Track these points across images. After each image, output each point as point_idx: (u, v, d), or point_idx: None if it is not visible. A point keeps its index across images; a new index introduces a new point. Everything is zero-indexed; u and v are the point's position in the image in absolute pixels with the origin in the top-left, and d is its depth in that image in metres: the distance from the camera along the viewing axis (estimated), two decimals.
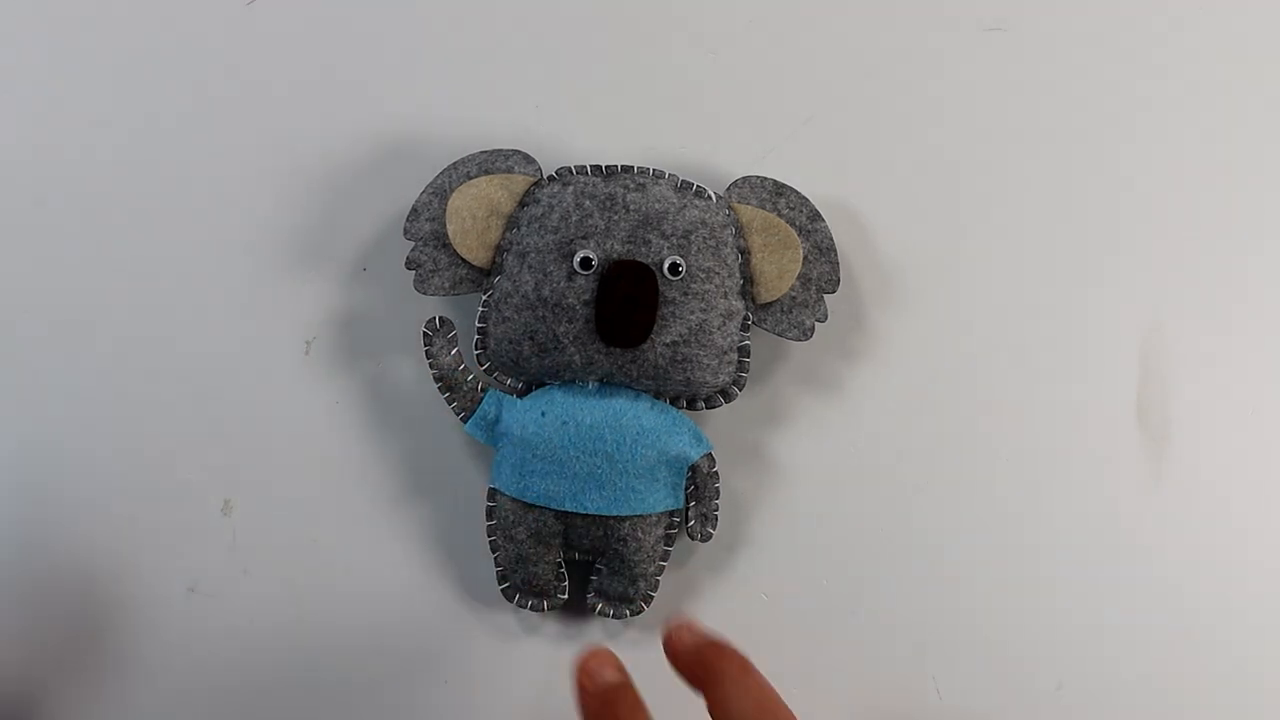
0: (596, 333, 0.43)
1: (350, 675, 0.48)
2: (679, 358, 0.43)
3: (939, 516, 0.48)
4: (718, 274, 0.44)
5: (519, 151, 0.45)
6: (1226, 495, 0.48)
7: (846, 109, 0.48)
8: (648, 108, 0.48)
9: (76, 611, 0.47)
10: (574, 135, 0.48)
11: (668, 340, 0.43)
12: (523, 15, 0.49)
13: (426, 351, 0.45)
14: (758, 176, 0.45)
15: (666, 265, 0.43)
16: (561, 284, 0.43)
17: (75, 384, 0.48)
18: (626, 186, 0.44)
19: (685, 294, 0.43)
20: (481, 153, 0.45)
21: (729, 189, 0.45)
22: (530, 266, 0.43)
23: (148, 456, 0.48)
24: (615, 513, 0.44)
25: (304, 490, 0.48)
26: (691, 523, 0.45)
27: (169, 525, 0.48)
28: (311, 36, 0.48)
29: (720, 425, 0.47)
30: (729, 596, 0.48)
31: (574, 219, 0.43)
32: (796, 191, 0.45)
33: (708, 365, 0.44)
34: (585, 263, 0.43)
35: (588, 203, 0.43)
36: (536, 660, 0.47)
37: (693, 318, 0.43)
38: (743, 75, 0.48)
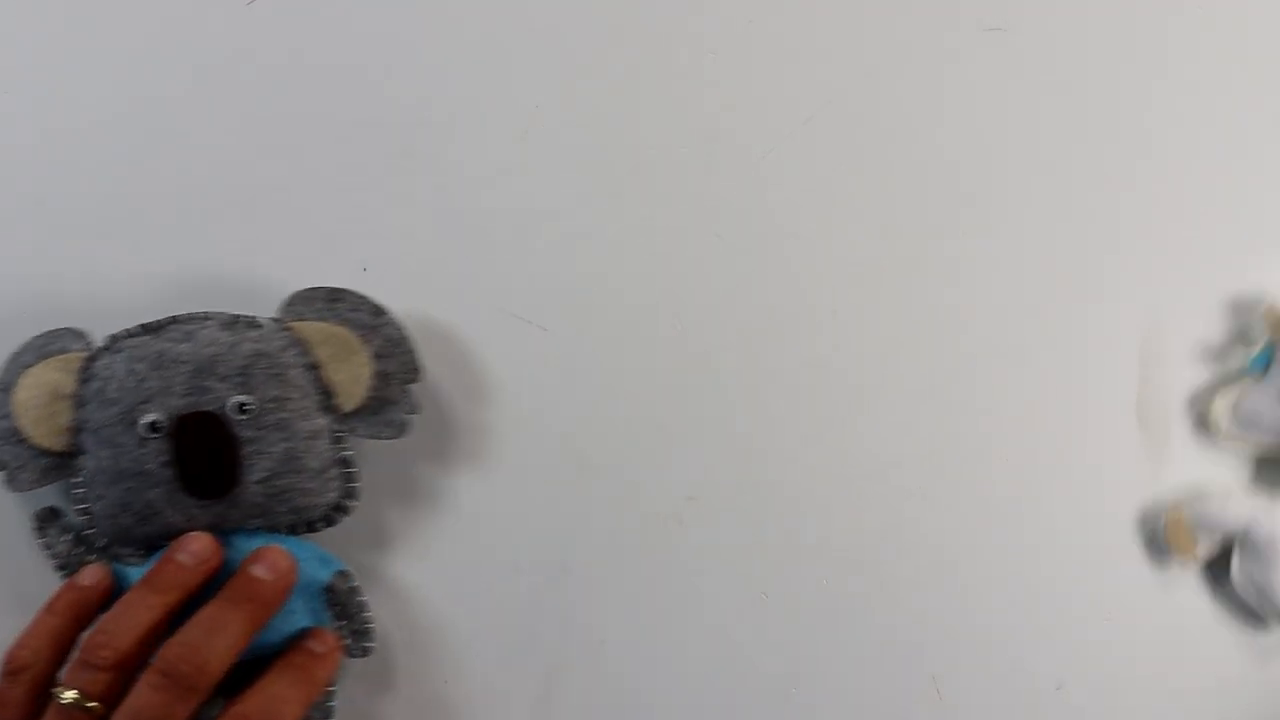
0: (185, 491, 0.42)
1: (350, 675, 0.48)
2: (275, 491, 0.43)
3: (938, 518, 0.48)
4: (290, 399, 0.43)
5: (69, 329, 0.44)
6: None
7: (846, 109, 0.48)
8: (648, 108, 0.48)
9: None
10: (574, 134, 0.48)
11: (258, 478, 0.43)
12: (526, 14, 0.49)
13: (42, 544, 0.44)
14: (310, 288, 0.45)
15: (231, 406, 0.42)
16: (136, 452, 0.42)
17: None
18: (175, 339, 0.43)
19: (262, 428, 0.42)
20: (34, 339, 0.44)
21: (283, 308, 0.45)
22: (104, 442, 0.43)
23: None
24: (256, 648, 0.42)
25: None
26: (347, 641, 0.45)
27: None
28: (312, 36, 0.48)
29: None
30: (729, 596, 0.48)
31: (130, 386, 0.42)
32: (354, 293, 0.45)
33: (308, 489, 0.43)
34: (153, 426, 0.42)
35: (140, 366, 0.42)
36: None
37: (277, 449, 0.43)
38: (743, 75, 0.48)
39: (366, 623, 0.45)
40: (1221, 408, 0.45)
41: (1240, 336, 0.47)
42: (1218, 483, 0.47)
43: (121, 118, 0.48)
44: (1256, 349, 0.46)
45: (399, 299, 0.48)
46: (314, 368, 0.44)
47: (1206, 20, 0.49)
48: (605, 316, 0.48)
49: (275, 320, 0.44)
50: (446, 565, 0.48)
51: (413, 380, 0.45)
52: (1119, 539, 0.47)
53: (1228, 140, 0.49)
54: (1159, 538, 0.47)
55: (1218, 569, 0.47)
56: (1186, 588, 0.48)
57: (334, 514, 0.45)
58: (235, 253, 0.48)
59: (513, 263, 0.48)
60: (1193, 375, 0.48)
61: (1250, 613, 0.46)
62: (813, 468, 0.48)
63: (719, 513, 0.48)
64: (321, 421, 0.44)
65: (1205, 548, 0.45)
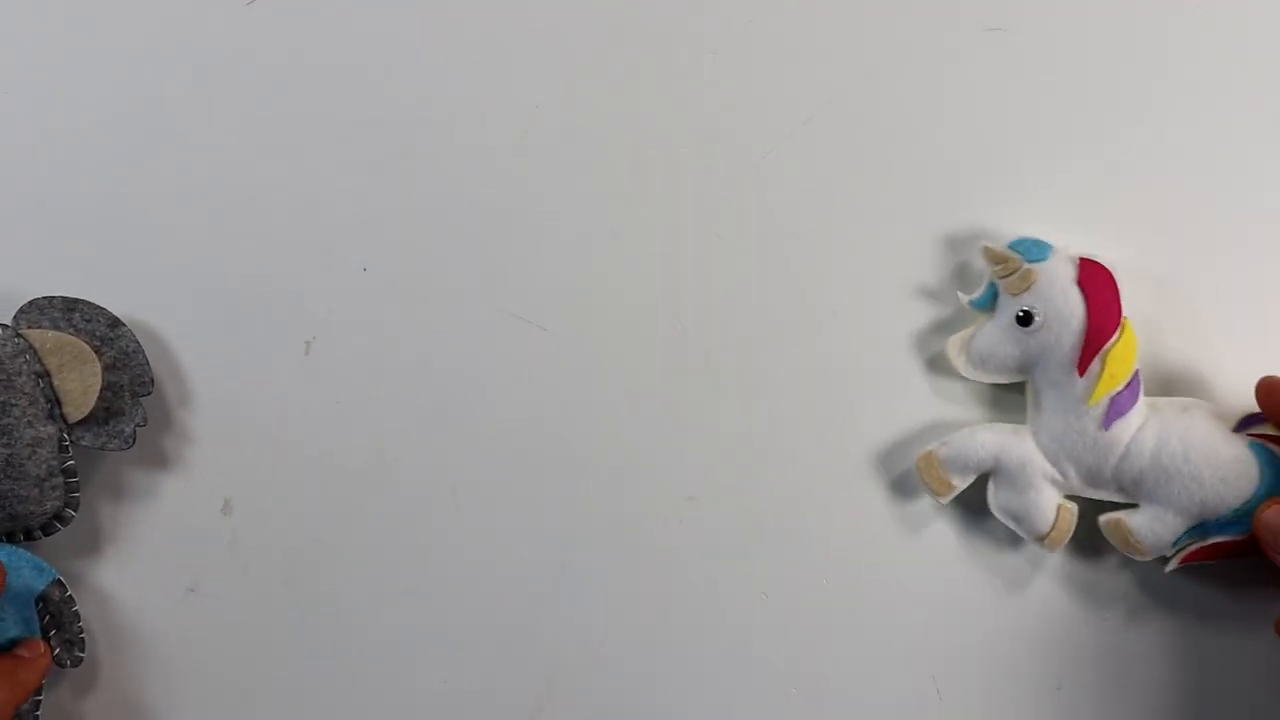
0: None
1: (350, 675, 0.48)
2: None
3: (935, 521, 0.48)
4: (15, 405, 0.43)
5: None
6: None
7: (846, 109, 0.48)
8: (648, 108, 0.48)
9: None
10: (573, 134, 0.48)
11: None
12: (526, 14, 0.49)
13: None
14: (46, 297, 0.45)
15: None
16: None
17: None
18: None
19: None
20: None
21: (17, 316, 0.45)
22: None
23: (148, 456, 0.48)
24: None
25: (304, 490, 0.48)
26: (57, 651, 0.45)
27: (169, 525, 0.48)
28: (312, 36, 0.48)
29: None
30: (729, 596, 0.48)
31: None
32: (90, 303, 0.45)
33: (27, 496, 0.44)
34: None
35: None
36: None
37: None
38: (743, 75, 0.48)
39: (79, 633, 0.46)
40: (955, 347, 0.46)
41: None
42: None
43: (121, 118, 0.48)
44: (980, 289, 0.46)
45: (399, 299, 0.48)
46: (44, 375, 0.44)
47: (1207, 20, 0.49)
48: (605, 316, 0.48)
49: (6, 327, 0.44)
50: (447, 565, 0.48)
51: (144, 393, 0.46)
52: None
53: (1228, 139, 0.49)
54: (915, 479, 0.47)
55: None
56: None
57: (54, 523, 0.45)
58: (235, 253, 0.48)
59: (513, 263, 0.48)
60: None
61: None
62: (813, 467, 0.48)
63: (719, 513, 0.48)
64: (47, 429, 0.44)
65: (960, 483, 0.46)
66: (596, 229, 0.48)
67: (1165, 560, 0.46)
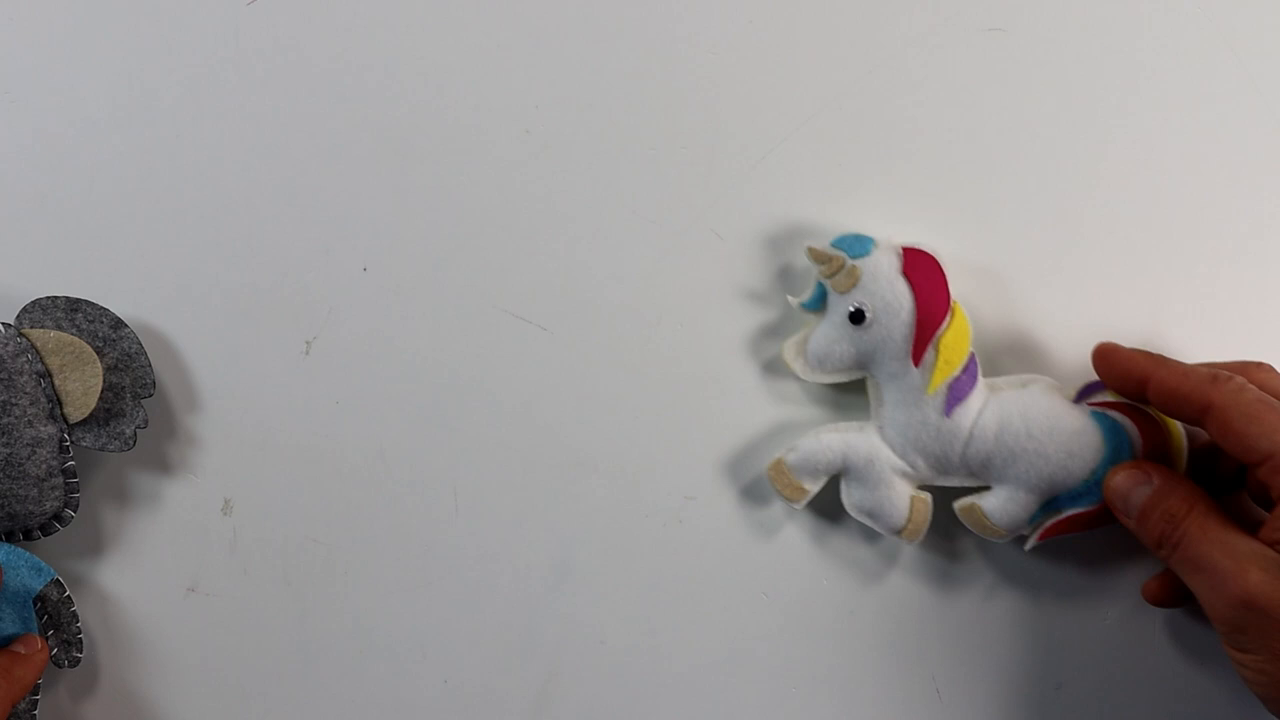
0: None
1: (350, 675, 0.48)
2: None
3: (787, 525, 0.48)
4: (16, 405, 0.43)
5: None
6: None
7: (846, 109, 0.48)
8: (648, 108, 0.48)
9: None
10: (573, 135, 0.48)
11: None
12: (524, 14, 0.49)
13: None
14: (49, 297, 0.45)
15: None
16: None
17: None
18: None
19: None
20: None
21: (19, 315, 0.45)
22: None
23: (148, 456, 0.48)
24: None
25: (304, 490, 0.48)
26: (54, 651, 0.46)
27: (169, 525, 0.48)
28: (312, 36, 0.48)
29: None
30: (728, 596, 0.48)
31: None
32: (93, 304, 0.45)
33: (27, 496, 0.44)
34: None
35: None
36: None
37: None
38: (743, 75, 0.48)
39: (77, 633, 0.46)
40: (791, 351, 0.46)
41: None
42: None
43: (122, 117, 0.48)
44: (809, 290, 0.46)
45: (399, 299, 0.48)
46: (45, 376, 0.44)
47: (1207, 20, 0.49)
48: (605, 316, 0.48)
49: (9, 326, 0.44)
50: (447, 565, 0.48)
51: (146, 395, 0.46)
52: (1118, 538, 0.47)
53: (1229, 140, 0.49)
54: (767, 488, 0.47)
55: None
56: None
57: (53, 523, 0.45)
58: (235, 253, 0.48)
59: (513, 263, 0.48)
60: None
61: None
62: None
63: (719, 512, 0.48)
64: (48, 430, 0.44)
65: (813, 486, 0.46)
66: (596, 229, 0.48)
67: (1024, 539, 0.46)
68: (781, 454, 0.46)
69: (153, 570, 0.48)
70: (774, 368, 0.48)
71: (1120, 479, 0.43)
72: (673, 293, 0.48)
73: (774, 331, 0.48)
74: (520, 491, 0.48)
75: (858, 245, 0.45)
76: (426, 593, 0.48)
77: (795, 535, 0.48)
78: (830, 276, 0.45)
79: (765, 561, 0.48)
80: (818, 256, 0.45)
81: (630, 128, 0.48)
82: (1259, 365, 0.43)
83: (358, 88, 0.48)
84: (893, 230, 0.46)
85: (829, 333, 0.45)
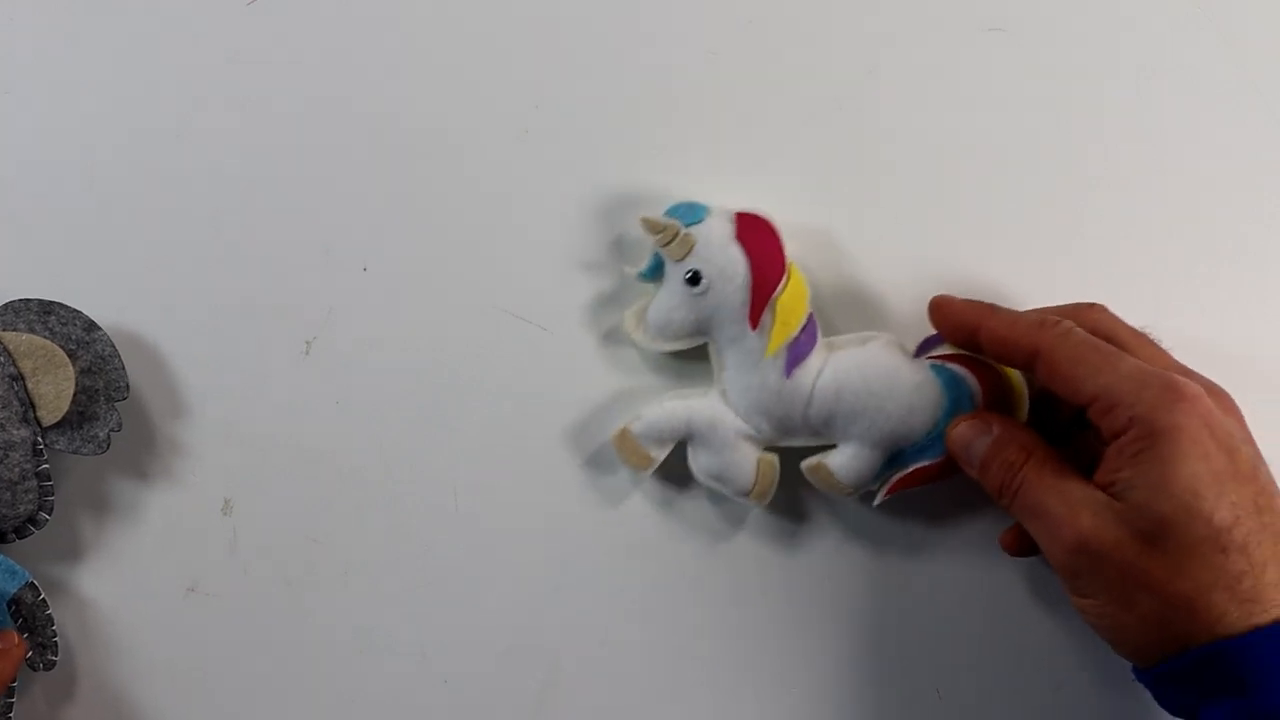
0: None
1: (350, 675, 0.48)
2: None
3: (928, 519, 0.48)
4: None
5: None
6: None
7: (846, 109, 0.48)
8: (647, 107, 0.48)
9: (77, 610, 0.47)
10: (572, 134, 0.48)
11: None
12: (523, 15, 0.49)
13: None
14: (22, 300, 0.45)
15: None
16: None
17: None
18: None
19: None
20: None
21: None
22: None
23: (147, 456, 0.48)
24: None
25: (304, 490, 0.48)
26: (29, 654, 0.45)
27: (169, 525, 0.48)
28: (312, 36, 0.48)
29: None
30: (728, 595, 0.48)
31: None
32: (67, 307, 0.45)
33: (1, 500, 0.44)
34: None
35: None
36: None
37: None
38: (742, 75, 0.48)
39: (52, 637, 0.46)
40: (631, 321, 0.46)
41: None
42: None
43: (120, 116, 0.48)
44: (646, 260, 0.46)
45: (399, 299, 0.48)
46: (18, 379, 0.44)
47: (1207, 20, 0.49)
48: (605, 316, 0.48)
49: None
50: (447, 565, 0.48)
51: (120, 398, 0.45)
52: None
53: (1229, 140, 0.49)
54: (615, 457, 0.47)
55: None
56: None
57: (28, 526, 0.45)
58: (235, 253, 0.48)
59: (513, 263, 0.48)
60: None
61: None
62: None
63: (718, 511, 0.48)
64: (21, 433, 0.44)
65: (659, 454, 0.46)
66: (596, 228, 0.48)
67: (873, 495, 0.46)
68: (627, 423, 0.46)
69: (153, 570, 0.48)
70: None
71: (961, 430, 0.43)
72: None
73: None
74: (519, 491, 0.48)
75: (691, 212, 0.45)
76: (426, 593, 0.48)
77: (788, 534, 0.48)
78: (665, 245, 0.44)
79: (764, 561, 0.48)
80: (652, 226, 0.45)
81: (628, 127, 0.48)
82: (1090, 306, 0.44)
83: (357, 88, 0.48)
84: (751, 198, 0.46)
85: (667, 300, 0.45)
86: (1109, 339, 0.41)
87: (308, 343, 0.48)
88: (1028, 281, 0.48)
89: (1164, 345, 0.43)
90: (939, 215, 0.48)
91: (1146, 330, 0.43)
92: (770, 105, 0.48)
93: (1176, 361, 0.43)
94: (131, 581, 0.47)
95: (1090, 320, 0.43)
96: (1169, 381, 0.39)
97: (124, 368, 0.46)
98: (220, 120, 0.48)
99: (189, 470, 0.48)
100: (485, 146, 0.48)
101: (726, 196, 0.46)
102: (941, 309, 0.44)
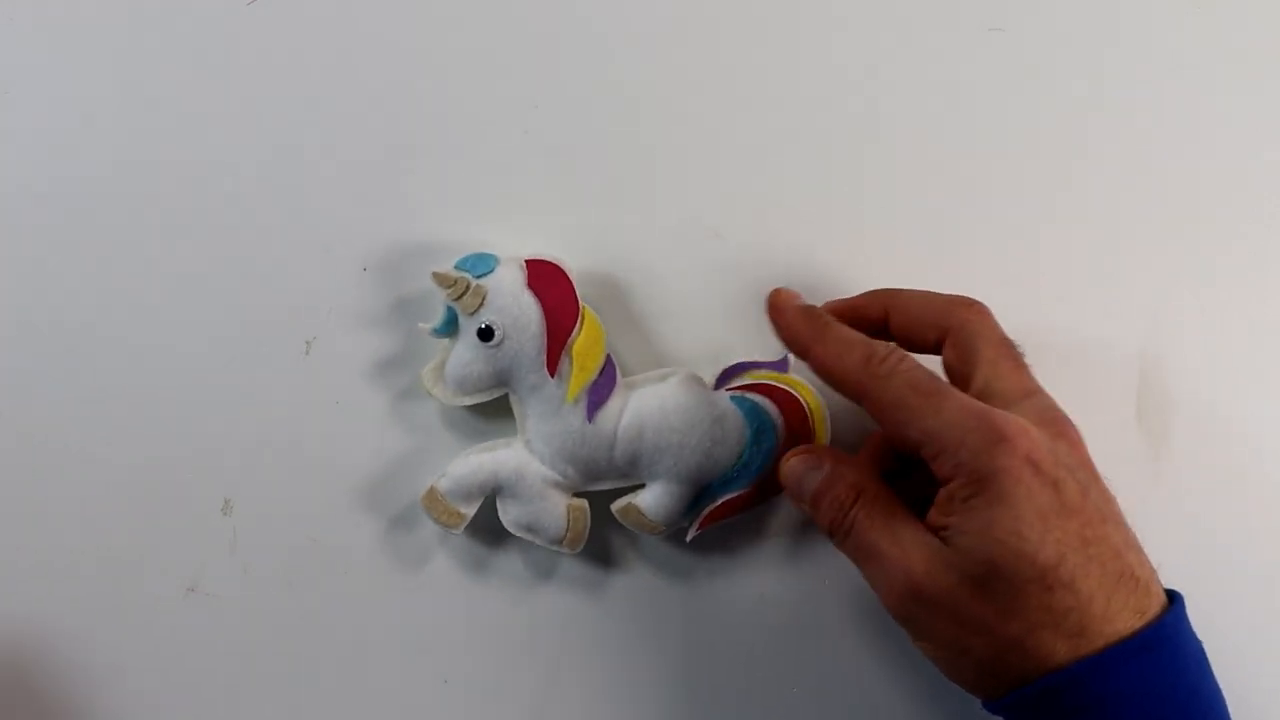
0: None
1: (350, 675, 0.48)
2: None
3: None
4: None
5: None
6: (1226, 495, 0.48)
7: (846, 109, 0.48)
8: (648, 107, 0.48)
9: (77, 610, 0.47)
10: (571, 134, 0.48)
11: None
12: (523, 16, 0.49)
13: None
14: None
15: None
16: None
17: (76, 384, 0.48)
18: None
19: None
20: None
21: None
22: None
23: (148, 456, 0.48)
24: None
25: (304, 490, 0.48)
26: None
27: (169, 525, 0.48)
28: (312, 36, 0.48)
29: None
30: (727, 595, 0.48)
31: None
32: None
33: None
34: None
35: None
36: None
37: None
38: (742, 74, 0.48)
39: None
40: (430, 378, 0.46)
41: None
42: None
43: (120, 116, 0.48)
44: (439, 316, 0.45)
45: (398, 299, 0.48)
46: None
47: (1207, 21, 0.49)
48: (605, 317, 0.48)
49: None
50: (447, 564, 0.48)
51: None
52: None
53: (1229, 141, 0.49)
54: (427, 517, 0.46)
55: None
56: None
57: None
58: (235, 252, 0.48)
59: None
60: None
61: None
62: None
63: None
64: None
65: (469, 510, 0.46)
66: (596, 228, 0.48)
67: (685, 531, 0.46)
68: (434, 481, 0.46)
69: (152, 570, 0.48)
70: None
71: (793, 464, 0.43)
72: (678, 290, 0.48)
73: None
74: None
75: (480, 263, 0.45)
76: (426, 592, 0.48)
77: (787, 533, 0.48)
78: (458, 299, 0.44)
79: (764, 561, 0.48)
80: (443, 280, 0.44)
81: (628, 127, 0.48)
82: (967, 305, 0.42)
83: (357, 87, 0.48)
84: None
85: (463, 355, 0.45)
86: (967, 350, 0.41)
87: (308, 343, 0.48)
88: (1028, 281, 0.48)
89: (1026, 356, 0.42)
90: (939, 215, 0.48)
91: (1016, 342, 0.42)
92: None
93: (1029, 381, 0.41)
94: (131, 581, 0.47)
95: (958, 321, 0.42)
96: (990, 423, 0.38)
97: None
98: (220, 120, 0.48)
99: (189, 470, 0.48)
100: (486, 146, 0.48)
101: (523, 243, 0.46)
102: (775, 318, 0.44)
